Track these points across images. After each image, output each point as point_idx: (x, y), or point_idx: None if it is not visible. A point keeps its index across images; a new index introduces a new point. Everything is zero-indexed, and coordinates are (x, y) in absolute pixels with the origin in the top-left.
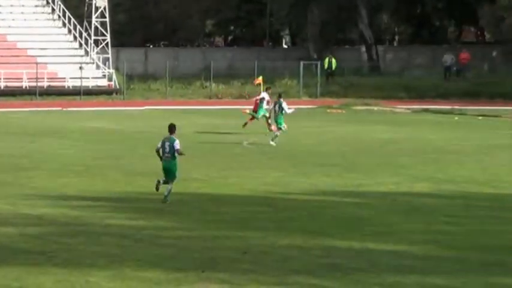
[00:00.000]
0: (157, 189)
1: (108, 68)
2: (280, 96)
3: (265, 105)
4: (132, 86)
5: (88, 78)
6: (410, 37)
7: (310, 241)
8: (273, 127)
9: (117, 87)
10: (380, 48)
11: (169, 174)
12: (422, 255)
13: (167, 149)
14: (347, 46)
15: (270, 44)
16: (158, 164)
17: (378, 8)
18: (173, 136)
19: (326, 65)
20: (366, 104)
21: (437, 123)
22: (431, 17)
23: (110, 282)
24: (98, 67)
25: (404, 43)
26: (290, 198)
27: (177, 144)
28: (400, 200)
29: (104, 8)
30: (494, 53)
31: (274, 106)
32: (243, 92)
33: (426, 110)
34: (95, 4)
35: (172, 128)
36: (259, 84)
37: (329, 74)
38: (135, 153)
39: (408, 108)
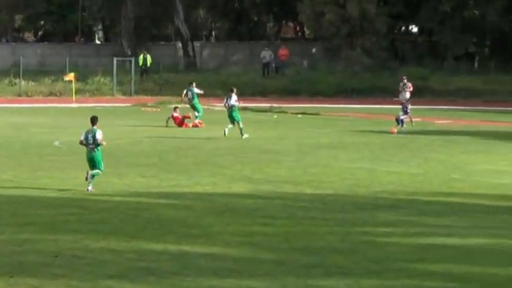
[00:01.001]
0: (86, 179)
1: None
2: (232, 90)
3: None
4: None
5: None
6: (227, 33)
7: (124, 244)
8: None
9: None
10: (196, 44)
11: (94, 163)
12: (240, 257)
13: (90, 140)
14: (162, 42)
15: (82, 39)
16: None
17: (195, 3)
18: (95, 127)
19: (141, 62)
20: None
21: (255, 122)
22: (250, 12)
23: None
24: None
25: (222, 39)
26: (103, 200)
27: (99, 135)
28: (217, 201)
29: None
30: (313, 50)
31: (226, 101)
32: (54, 90)
33: (245, 108)
34: None
35: (94, 120)
36: (70, 81)
37: (144, 70)
38: None
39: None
